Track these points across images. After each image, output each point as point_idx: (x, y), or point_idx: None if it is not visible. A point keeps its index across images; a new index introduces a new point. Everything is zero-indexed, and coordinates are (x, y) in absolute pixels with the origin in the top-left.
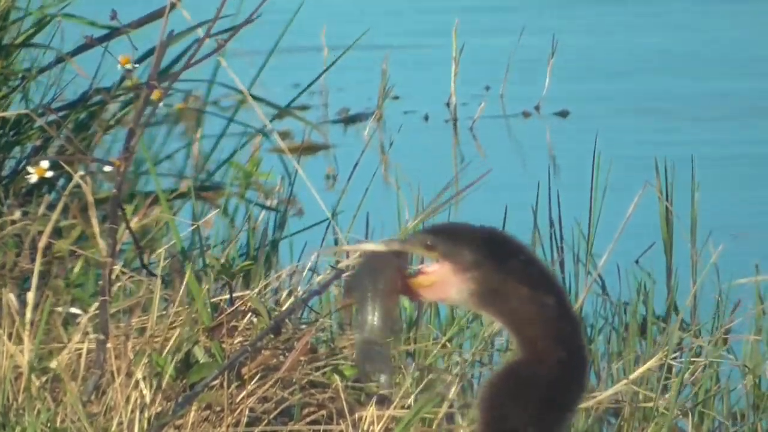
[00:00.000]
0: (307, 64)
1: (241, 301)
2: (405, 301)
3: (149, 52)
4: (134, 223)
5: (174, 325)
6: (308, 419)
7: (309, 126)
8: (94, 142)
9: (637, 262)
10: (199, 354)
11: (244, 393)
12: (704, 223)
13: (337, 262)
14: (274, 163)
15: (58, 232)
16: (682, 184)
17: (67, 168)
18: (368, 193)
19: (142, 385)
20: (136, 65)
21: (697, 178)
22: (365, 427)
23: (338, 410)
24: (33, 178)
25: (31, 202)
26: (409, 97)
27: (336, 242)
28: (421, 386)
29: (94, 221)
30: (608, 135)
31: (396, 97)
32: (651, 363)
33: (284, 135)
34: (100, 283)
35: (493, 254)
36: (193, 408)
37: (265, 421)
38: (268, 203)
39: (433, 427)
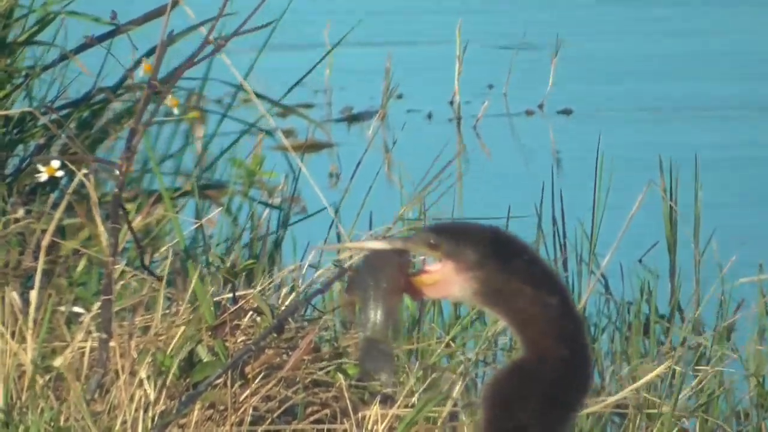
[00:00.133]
0: (311, 62)
1: (245, 300)
2: (408, 300)
3: (152, 51)
4: (137, 222)
5: (177, 323)
6: (312, 418)
7: (313, 124)
8: (106, 143)
9: (640, 261)
10: (203, 353)
11: (247, 392)
12: (707, 223)
13: (340, 260)
14: (278, 162)
15: (61, 231)
16: (685, 183)
17: (71, 167)
18: (371, 192)
19: (145, 383)
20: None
21: (700, 177)
22: (369, 426)
23: (342, 409)
24: (43, 177)
25: (35, 200)
26: (413, 95)
27: (339, 240)
28: (424, 385)
29: (98, 220)
30: (612, 134)
31: (399, 96)
32: (660, 370)
33: (288, 133)
34: (103, 281)
35: (496, 254)
36: (197, 407)
37: (269, 420)
38: (271, 201)
39: (437, 425)
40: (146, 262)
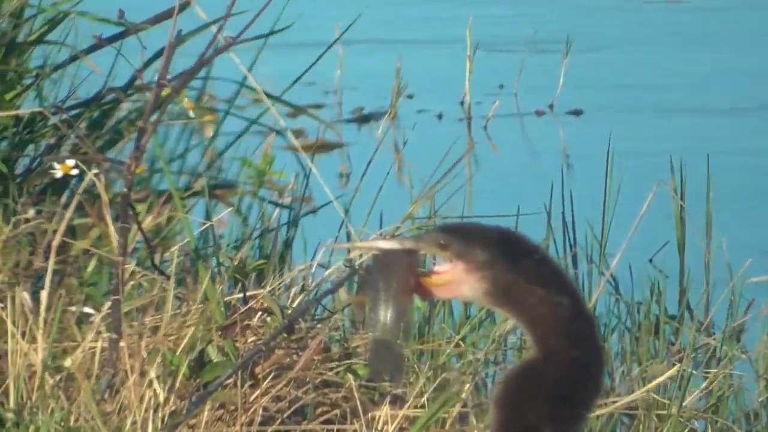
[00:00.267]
0: (319, 61)
1: (255, 300)
2: (418, 301)
3: (161, 51)
4: (148, 222)
5: (187, 324)
6: (322, 419)
7: (323, 125)
8: (119, 145)
9: (650, 261)
10: (213, 353)
11: (257, 392)
12: (718, 223)
13: (350, 260)
14: (288, 162)
15: (72, 231)
16: (696, 183)
17: (81, 167)
18: (382, 192)
19: (155, 384)
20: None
21: (711, 177)
22: (379, 427)
23: (352, 410)
24: (58, 174)
25: (45, 200)
26: (423, 95)
27: (348, 240)
28: (434, 385)
29: (108, 220)
30: (622, 134)
31: (410, 96)
32: (670, 373)
33: (298, 133)
34: (113, 281)
35: (506, 254)
36: (207, 407)
37: (279, 421)
38: (281, 201)
39: (447, 427)
40: (156, 262)
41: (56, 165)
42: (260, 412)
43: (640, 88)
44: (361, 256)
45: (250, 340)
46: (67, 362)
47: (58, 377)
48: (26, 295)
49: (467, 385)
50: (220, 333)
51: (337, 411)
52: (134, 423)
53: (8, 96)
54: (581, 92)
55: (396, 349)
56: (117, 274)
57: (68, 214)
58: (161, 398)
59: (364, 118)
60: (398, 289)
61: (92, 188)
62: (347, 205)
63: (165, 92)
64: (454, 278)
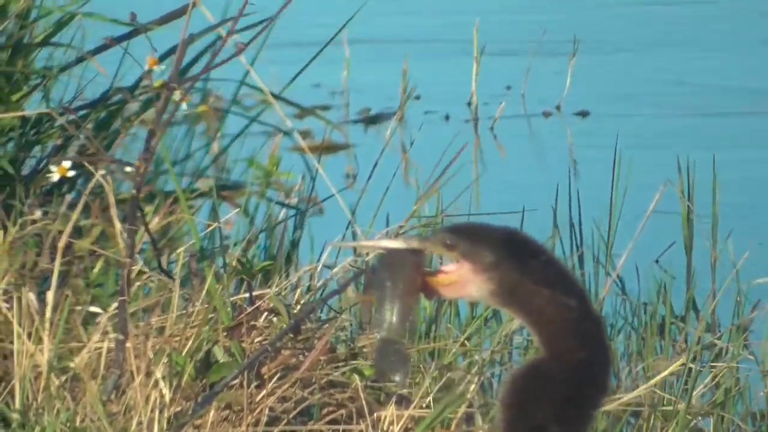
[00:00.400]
0: (327, 61)
1: (261, 301)
2: (424, 301)
3: (170, 51)
4: (155, 223)
5: (194, 324)
6: (328, 419)
7: (330, 126)
8: (116, 143)
9: (657, 261)
10: (219, 353)
11: (263, 392)
12: (724, 223)
13: (357, 261)
14: (295, 163)
15: (78, 232)
16: (703, 184)
17: (89, 167)
18: (388, 192)
19: (161, 384)
20: (164, 67)
21: (718, 177)
22: (385, 427)
23: (358, 410)
24: (55, 177)
25: (52, 201)
26: (430, 97)
27: (355, 240)
28: (439, 385)
29: (115, 221)
30: (628, 135)
31: (417, 97)
32: (673, 368)
33: (305, 134)
34: (120, 282)
35: (512, 255)
36: (213, 408)
37: (285, 421)
38: (288, 202)
39: (452, 427)
40: (163, 263)
41: (53, 168)
42: (266, 412)
43: (647, 89)
44: (367, 254)
45: (256, 340)
46: (73, 363)
47: (64, 378)
48: (32, 296)
49: (473, 385)
50: (226, 333)
51: (343, 411)
52: (140, 423)
53: (15, 97)
54: (588, 93)
55: (402, 349)
56: (123, 275)
57: (74, 215)
58: (167, 399)
59: (370, 119)
60: (404, 289)
61: (99, 189)
62: (354, 205)
63: (176, 94)
64: (461, 278)
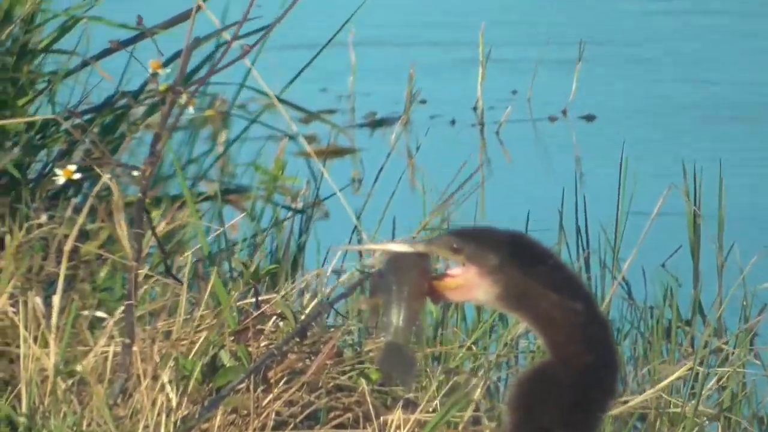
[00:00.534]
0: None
1: (267, 305)
2: (430, 305)
3: (175, 55)
4: (161, 227)
5: (200, 328)
6: (334, 423)
7: (336, 130)
8: (122, 146)
9: (663, 265)
10: (225, 358)
11: (270, 397)
12: (731, 227)
13: (363, 265)
14: (300, 167)
15: (84, 236)
16: (709, 187)
17: (96, 170)
18: (394, 197)
19: (168, 388)
20: (168, 70)
21: (724, 181)
22: (391, 431)
23: (364, 414)
24: (60, 180)
25: (58, 205)
26: (436, 101)
27: (360, 243)
28: (446, 389)
29: (122, 224)
30: (635, 139)
31: (423, 102)
32: (680, 372)
33: (310, 139)
34: (127, 286)
35: (518, 258)
36: (219, 412)
37: (291, 425)
38: (294, 206)
39: (459, 430)
40: (169, 266)
41: (58, 171)
42: (273, 416)
43: (653, 94)
44: (373, 254)
45: (262, 344)
46: (80, 367)
47: (70, 382)
48: (39, 300)
49: (479, 389)
50: (232, 338)
51: (349, 415)
52: (147, 427)
53: (20, 102)
54: (594, 97)
55: (408, 353)
56: (130, 278)
57: (80, 219)
58: (174, 403)
59: (376, 124)
60: (411, 293)
61: (105, 193)
62: (359, 210)
63: (182, 98)
64: (467, 282)
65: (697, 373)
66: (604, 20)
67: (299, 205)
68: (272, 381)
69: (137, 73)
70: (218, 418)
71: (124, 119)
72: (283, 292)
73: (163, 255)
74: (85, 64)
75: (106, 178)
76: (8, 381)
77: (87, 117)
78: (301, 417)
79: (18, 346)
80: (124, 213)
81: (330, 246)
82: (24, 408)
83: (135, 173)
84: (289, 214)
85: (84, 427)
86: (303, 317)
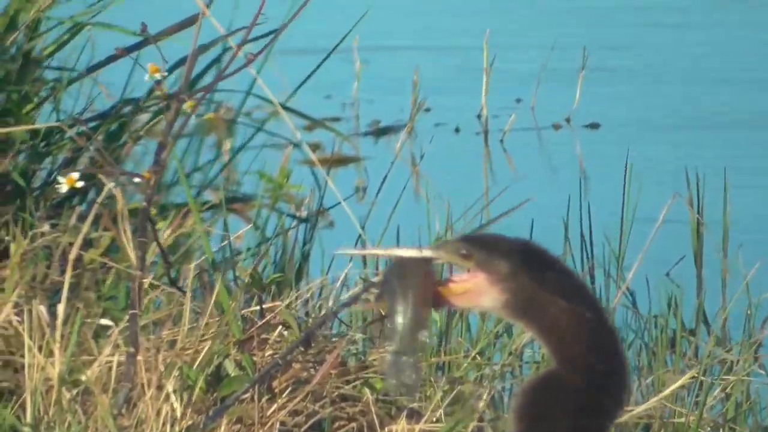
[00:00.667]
0: (336, 68)
1: (272, 314)
2: (434, 314)
3: (179, 62)
4: (166, 235)
5: (205, 337)
6: None
7: (340, 138)
8: (124, 153)
9: (667, 274)
10: (230, 367)
11: (274, 406)
12: (734, 236)
13: (367, 275)
14: (305, 175)
15: (88, 244)
16: (713, 196)
17: (100, 178)
18: (399, 206)
19: (172, 398)
20: (166, 74)
21: (728, 190)
22: None
23: (369, 424)
24: (63, 188)
25: (62, 214)
26: (441, 109)
27: (364, 259)
28: (450, 399)
29: (127, 233)
30: (639, 148)
31: (427, 110)
32: (683, 380)
33: (315, 147)
34: (131, 295)
35: (529, 266)
36: (224, 421)
37: None
38: (298, 215)
39: None
40: (173, 276)
41: (61, 179)
42: (277, 426)
43: (657, 102)
44: (378, 261)
45: (267, 354)
46: (84, 376)
47: (75, 391)
48: (43, 309)
49: (484, 399)
50: (237, 347)
51: (354, 425)
52: None
53: (25, 109)
54: (598, 106)
55: (413, 362)
56: (135, 288)
57: (84, 228)
58: (178, 412)
59: (381, 131)
60: (416, 299)
61: (109, 201)
62: (364, 218)
63: (188, 104)
64: (475, 288)
65: (701, 383)
66: (608, 28)
67: (304, 213)
68: (277, 390)
69: (142, 80)
70: (223, 427)
71: (128, 127)
72: (287, 301)
73: (167, 265)
74: (89, 71)
75: (110, 186)
76: (13, 390)
77: (92, 125)
78: (305, 427)
79: (22, 355)
80: (128, 221)
81: (334, 254)
82: (29, 417)
83: (138, 181)
84: (294, 223)
85: None
86: (307, 326)
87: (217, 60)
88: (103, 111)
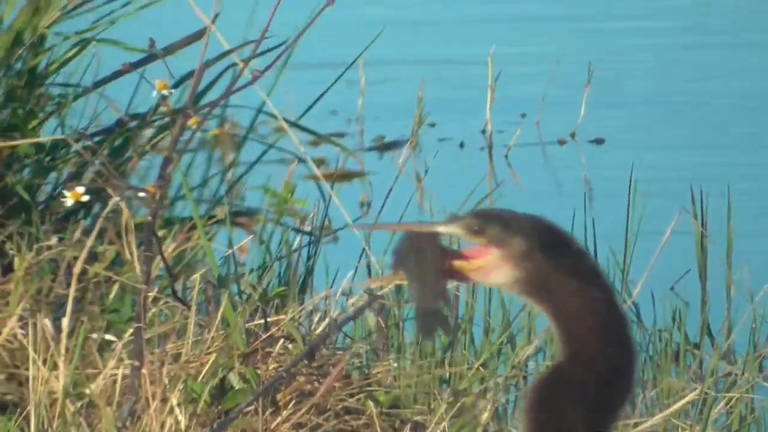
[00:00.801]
0: (344, 89)
1: (276, 327)
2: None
3: (185, 77)
4: (170, 249)
5: (209, 351)
6: None
7: (345, 153)
8: (129, 168)
9: (672, 288)
10: (234, 380)
11: (278, 419)
12: (739, 250)
13: (371, 289)
14: (310, 190)
15: (94, 258)
16: (718, 211)
17: (105, 192)
18: (403, 220)
19: (177, 411)
20: (172, 90)
21: (733, 205)
22: None
23: None
24: (68, 202)
25: (67, 227)
26: (445, 124)
27: (369, 271)
28: (454, 411)
29: (132, 246)
30: (644, 163)
31: (432, 125)
32: (690, 397)
33: (319, 162)
34: (136, 309)
35: (545, 244)
36: None
37: None
38: (302, 229)
39: None
40: (178, 289)
41: (67, 193)
42: None
43: (661, 117)
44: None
45: (271, 367)
46: (89, 389)
47: (79, 404)
48: (48, 322)
49: (487, 411)
50: (241, 360)
51: None
52: None
53: (30, 125)
54: (603, 121)
55: (440, 311)
56: (140, 301)
57: (89, 241)
58: (183, 425)
59: (385, 147)
60: (432, 269)
61: (113, 215)
62: (368, 233)
63: (192, 120)
64: (488, 264)
65: (705, 397)
66: (613, 43)
67: (308, 228)
68: (281, 403)
69: (147, 95)
70: None
71: (133, 142)
72: (291, 315)
73: (171, 278)
74: (95, 86)
75: (115, 200)
76: (17, 403)
77: (97, 139)
78: None
79: (27, 369)
80: (133, 235)
81: (337, 269)
82: (33, 430)
83: (143, 195)
84: (299, 239)
85: None
86: (311, 339)
87: (221, 75)
88: (108, 126)
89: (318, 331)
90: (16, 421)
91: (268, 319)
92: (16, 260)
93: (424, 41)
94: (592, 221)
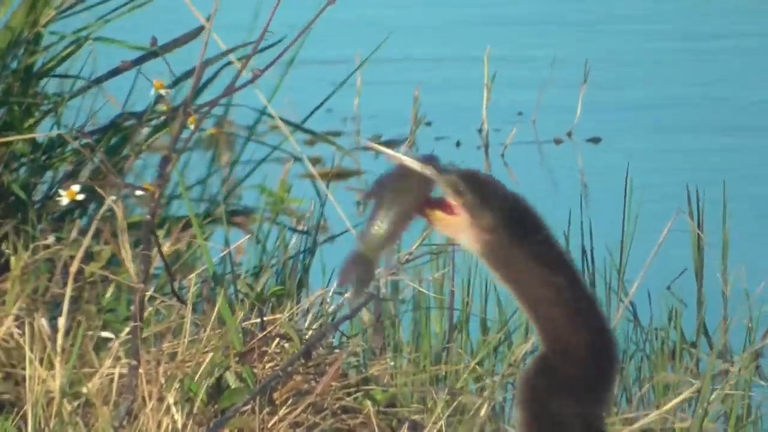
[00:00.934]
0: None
1: (273, 326)
2: (436, 326)
3: (181, 76)
4: (167, 248)
5: (205, 350)
6: None
7: (341, 152)
8: (126, 166)
9: (668, 288)
10: (231, 379)
11: (275, 418)
12: (735, 250)
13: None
14: (306, 189)
15: (90, 257)
16: (714, 210)
17: (100, 192)
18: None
19: (173, 410)
20: (171, 90)
21: (729, 204)
22: None
23: None
24: (64, 201)
25: (64, 227)
26: (441, 123)
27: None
28: (451, 410)
29: (126, 246)
30: (640, 162)
31: (428, 124)
32: (686, 394)
33: (315, 161)
34: (132, 308)
35: (512, 225)
36: None
37: None
38: (299, 228)
39: None
40: (175, 288)
41: (62, 192)
42: None
43: (659, 116)
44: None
45: (267, 366)
46: (85, 389)
47: (76, 403)
48: (44, 322)
49: (484, 410)
50: (237, 359)
51: None
52: None
53: (26, 123)
54: (600, 120)
55: (371, 267)
56: (136, 300)
57: (86, 241)
58: (179, 424)
59: (382, 145)
60: (404, 204)
61: (110, 214)
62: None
63: (191, 120)
64: (458, 225)
65: (701, 395)
66: (610, 42)
67: (304, 227)
68: (277, 402)
69: (143, 94)
70: None
71: (130, 140)
72: (288, 313)
73: (170, 277)
74: (93, 83)
75: (110, 200)
76: (14, 403)
77: (93, 138)
78: None
79: (23, 368)
80: (129, 234)
81: (333, 267)
82: (30, 430)
83: (140, 193)
84: (295, 238)
85: None
86: (308, 338)
87: (217, 75)
88: (105, 125)
89: (314, 330)
90: (12, 421)
91: (265, 318)
92: (13, 259)
93: (423, 41)
94: (589, 220)
